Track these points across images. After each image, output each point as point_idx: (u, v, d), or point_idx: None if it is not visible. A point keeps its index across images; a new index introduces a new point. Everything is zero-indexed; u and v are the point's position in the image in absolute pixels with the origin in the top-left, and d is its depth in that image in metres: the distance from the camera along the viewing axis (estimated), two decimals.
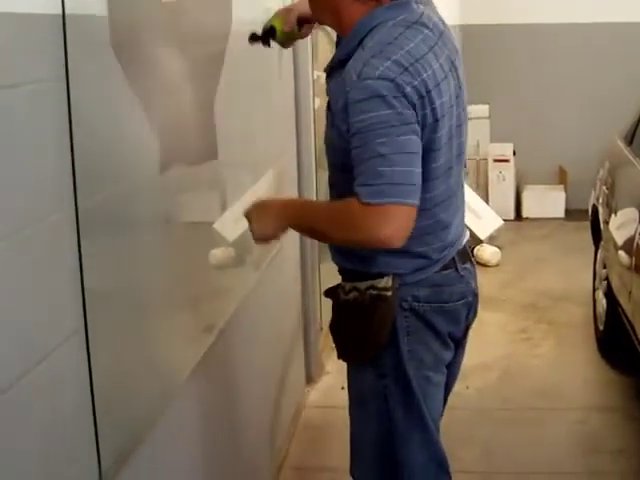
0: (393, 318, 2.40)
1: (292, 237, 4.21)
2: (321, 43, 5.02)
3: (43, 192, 1.68)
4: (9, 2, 1.54)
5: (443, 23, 2.42)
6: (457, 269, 2.49)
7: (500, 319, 5.90)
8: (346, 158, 2.22)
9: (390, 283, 2.38)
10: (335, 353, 2.59)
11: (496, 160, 8.58)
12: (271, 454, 3.82)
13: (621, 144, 5.46)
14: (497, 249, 7.20)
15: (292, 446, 4.12)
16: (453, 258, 2.48)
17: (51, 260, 1.72)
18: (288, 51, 3.98)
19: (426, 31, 2.29)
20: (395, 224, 2.16)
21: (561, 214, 8.67)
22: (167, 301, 2.40)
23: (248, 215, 2.44)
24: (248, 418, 3.39)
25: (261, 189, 3.50)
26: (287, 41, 2.84)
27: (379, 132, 2.11)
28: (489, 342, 5.40)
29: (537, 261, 7.21)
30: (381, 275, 2.38)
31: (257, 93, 3.42)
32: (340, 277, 2.55)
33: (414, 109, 2.16)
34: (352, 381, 2.58)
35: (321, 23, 2.57)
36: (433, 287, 2.44)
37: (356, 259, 2.42)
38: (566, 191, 8.72)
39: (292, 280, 4.41)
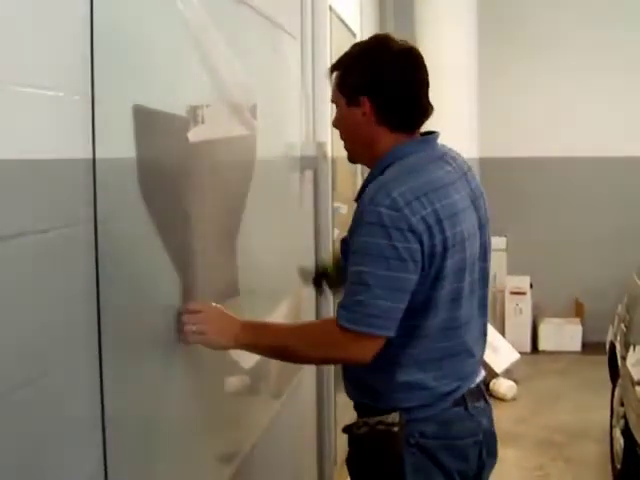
0: (400, 453, 2.40)
1: (310, 369, 4.20)
2: (339, 174, 5.09)
3: (69, 327, 1.70)
4: (40, 149, 1.59)
5: (468, 167, 2.54)
6: (467, 407, 2.48)
7: (516, 455, 5.81)
8: None
9: (397, 419, 2.40)
10: None
11: (513, 292, 8.58)
12: None
13: (638, 280, 5.46)
14: (513, 383, 7.13)
15: None
16: (463, 396, 2.48)
17: (73, 397, 1.73)
18: (309, 183, 4.05)
19: (448, 167, 2.41)
20: (365, 350, 2.30)
21: (578, 348, 8.61)
22: (187, 430, 2.39)
23: (202, 312, 2.33)
24: None
25: (278, 318, 3.51)
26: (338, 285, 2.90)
27: (370, 260, 2.22)
28: (505, 479, 5.31)
29: (553, 396, 7.13)
30: (389, 411, 2.41)
31: (278, 223, 3.46)
32: (355, 411, 2.58)
33: (419, 240, 2.23)
34: None
35: (355, 160, 2.62)
36: (441, 423, 2.44)
37: (367, 393, 2.49)
38: (583, 324, 8.69)
39: (309, 412, 4.37)
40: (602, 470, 5.51)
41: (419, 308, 2.32)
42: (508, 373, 7.32)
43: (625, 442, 5.04)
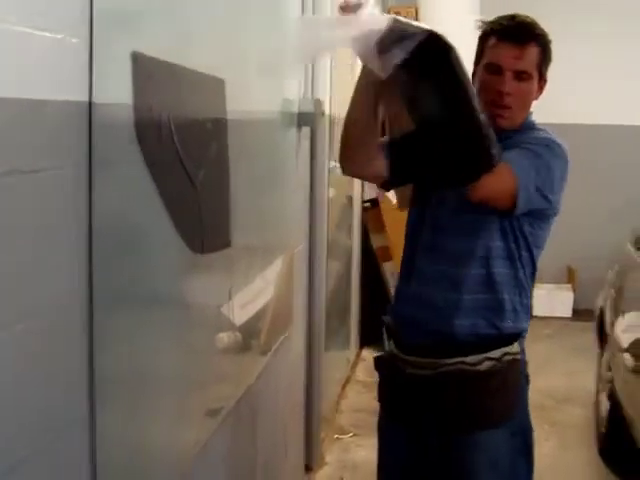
0: (521, 381, 2.70)
1: (300, 323, 4.22)
2: (337, 134, 5.08)
3: (58, 275, 1.70)
4: (36, 89, 1.58)
5: None
6: None
7: None
8: None
9: (518, 348, 2.65)
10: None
11: None
12: None
13: (631, 248, 5.48)
14: None
15: None
16: None
17: (62, 345, 1.73)
18: (306, 140, 4.05)
19: None
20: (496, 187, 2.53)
21: (568, 314, 8.66)
22: (174, 384, 2.39)
23: None
24: None
25: (271, 275, 3.52)
26: None
27: (538, 162, 2.57)
28: None
29: (543, 360, 7.16)
30: (510, 341, 2.63)
31: (273, 180, 3.46)
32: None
33: (563, 175, 2.72)
34: (479, 451, 2.63)
35: (509, 126, 2.72)
36: (523, 353, 2.72)
37: (493, 322, 2.64)
38: (574, 291, 8.72)
39: (297, 368, 4.39)
40: (586, 434, 5.58)
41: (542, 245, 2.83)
42: None
43: (610, 406, 5.09)
